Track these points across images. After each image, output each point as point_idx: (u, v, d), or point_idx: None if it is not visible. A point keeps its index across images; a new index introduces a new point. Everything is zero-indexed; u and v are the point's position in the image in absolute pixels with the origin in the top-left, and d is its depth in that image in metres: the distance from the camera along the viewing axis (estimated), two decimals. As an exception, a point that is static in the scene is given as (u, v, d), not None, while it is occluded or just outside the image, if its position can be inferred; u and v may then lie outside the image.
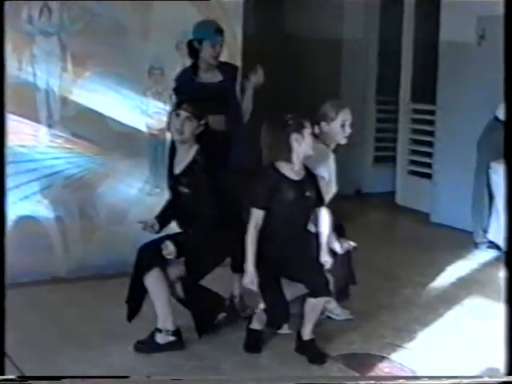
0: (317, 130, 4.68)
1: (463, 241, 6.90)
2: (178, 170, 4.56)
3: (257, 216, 4.34)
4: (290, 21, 9.14)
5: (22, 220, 5.52)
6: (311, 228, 4.60)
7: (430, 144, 8.08)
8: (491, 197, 6.69)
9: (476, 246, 6.81)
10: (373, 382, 4.16)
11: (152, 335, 4.48)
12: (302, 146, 4.34)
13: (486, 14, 6.85)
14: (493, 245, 6.65)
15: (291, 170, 4.38)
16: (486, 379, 3.98)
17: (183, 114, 4.45)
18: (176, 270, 4.52)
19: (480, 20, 7.06)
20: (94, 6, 5.51)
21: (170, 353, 4.42)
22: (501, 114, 6.05)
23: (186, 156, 4.52)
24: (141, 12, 5.68)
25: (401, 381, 4.03)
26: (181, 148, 4.55)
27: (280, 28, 9.06)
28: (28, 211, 5.55)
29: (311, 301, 4.37)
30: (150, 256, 4.47)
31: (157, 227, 4.61)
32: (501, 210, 6.20)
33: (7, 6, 5.12)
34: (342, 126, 4.77)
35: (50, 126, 5.53)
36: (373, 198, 8.82)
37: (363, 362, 4.41)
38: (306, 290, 4.38)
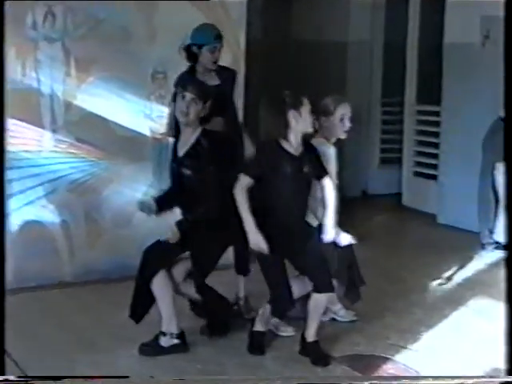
0: (316, 125, 4.63)
1: (469, 242, 6.88)
2: (181, 152, 4.56)
3: (243, 182, 4.29)
4: (295, 23, 9.17)
5: (28, 225, 5.55)
6: (313, 222, 4.59)
7: (435, 145, 8.06)
8: (497, 197, 6.68)
9: (482, 246, 6.79)
10: (376, 382, 4.15)
11: (156, 338, 4.50)
12: (299, 123, 4.30)
13: (490, 14, 6.83)
14: (499, 245, 6.63)
15: (289, 146, 4.35)
16: (489, 379, 3.97)
17: (189, 95, 4.46)
18: (183, 268, 4.54)
19: (484, 20, 7.05)
20: (98, 11, 5.54)
21: (174, 355, 4.44)
22: (506, 114, 6.03)
23: (189, 138, 4.53)
24: (144, 17, 5.70)
25: (404, 381, 4.02)
26: (185, 131, 4.55)
27: (286, 30, 9.09)
28: (33, 216, 5.58)
29: (314, 296, 4.37)
30: (155, 258, 4.48)
31: (154, 208, 4.59)
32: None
33: (10, 11, 5.21)
34: (341, 120, 4.72)
35: (54, 131, 5.56)
36: (379, 199, 8.80)
37: (367, 363, 4.42)
38: (309, 288, 4.40)
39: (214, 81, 5.02)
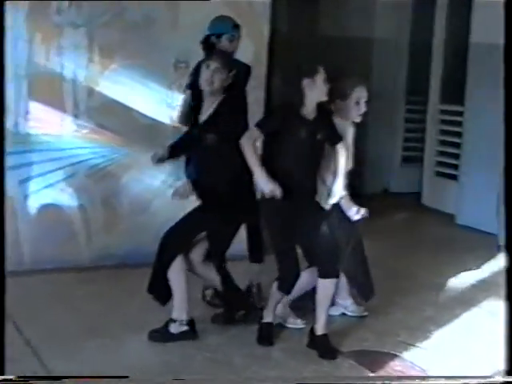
0: (332, 107, 4.62)
1: (487, 243, 6.86)
2: (203, 118, 4.58)
3: (252, 134, 4.34)
4: (321, 19, 9.16)
5: (46, 208, 5.62)
6: (326, 206, 4.59)
7: (457, 145, 8.03)
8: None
9: (499, 248, 6.75)
10: (378, 382, 4.17)
11: (166, 325, 4.54)
12: (314, 91, 4.31)
13: (517, 16, 6.77)
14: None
15: (305, 111, 4.36)
16: (491, 379, 3.96)
17: (213, 64, 4.49)
18: (201, 249, 4.60)
19: (511, 21, 6.99)
20: (123, -1, 5.59)
21: (183, 343, 4.47)
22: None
23: (212, 105, 4.55)
24: (169, 6, 5.72)
25: (404, 381, 4.04)
26: (208, 99, 4.56)
27: (311, 26, 9.08)
28: (52, 199, 5.64)
29: (320, 282, 4.39)
30: (173, 243, 4.52)
31: (165, 156, 4.65)
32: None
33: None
34: (357, 103, 4.68)
35: (75, 116, 5.61)
36: (399, 197, 8.79)
37: (374, 359, 4.43)
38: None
39: None
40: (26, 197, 5.56)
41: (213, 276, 4.68)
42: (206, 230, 4.56)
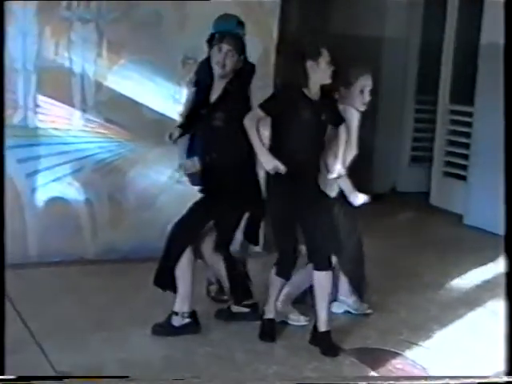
0: (336, 96, 4.62)
1: (494, 244, 6.82)
2: (213, 98, 4.59)
3: (256, 113, 4.36)
4: (332, 17, 9.15)
5: (53, 201, 5.66)
6: (331, 192, 4.60)
7: (467, 146, 8.01)
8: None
9: (506, 249, 6.73)
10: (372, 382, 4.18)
11: (169, 318, 4.56)
12: (317, 73, 4.31)
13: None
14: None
15: (308, 92, 4.36)
16: (492, 379, 3.96)
17: (226, 47, 4.50)
18: (210, 240, 4.63)
19: (521, 22, 6.96)
20: (132, -5, 5.62)
21: (186, 337, 4.49)
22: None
23: (222, 86, 4.56)
24: (178, 3, 5.74)
25: (404, 381, 4.05)
26: (219, 82, 4.57)
27: (322, 24, 9.07)
28: (58, 193, 5.68)
29: (315, 275, 4.42)
30: (182, 235, 4.54)
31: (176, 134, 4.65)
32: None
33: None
34: (361, 91, 4.65)
35: (83, 110, 5.64)
36: (407, 197, 8.78)
37: (376, 357, 4.43)
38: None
39: None
40: (33, 190, 5.60)
41: (222, 266, 4.71)
42: (212, 219, 4.58)
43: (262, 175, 4.64)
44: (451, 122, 8.43)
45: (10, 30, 5.24)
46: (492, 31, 7.36)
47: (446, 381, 4.01)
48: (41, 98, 5.52)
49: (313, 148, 4.44)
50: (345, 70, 4.63)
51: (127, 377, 3.80)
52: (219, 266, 4.74)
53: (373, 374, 4.22)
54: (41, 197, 5.62)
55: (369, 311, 5.05)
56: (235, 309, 4.80)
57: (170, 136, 4.64)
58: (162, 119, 5.81)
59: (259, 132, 4.36)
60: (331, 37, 8.73)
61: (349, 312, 5.06)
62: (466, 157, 8.02)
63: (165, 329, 4.53)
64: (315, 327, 4.50)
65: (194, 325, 4.57)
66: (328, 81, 4.37)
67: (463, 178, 8.03)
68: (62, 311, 4.80)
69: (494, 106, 7.33)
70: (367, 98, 4.68)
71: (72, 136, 5.64)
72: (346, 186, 4.63)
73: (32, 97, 5.48)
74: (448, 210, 8.14)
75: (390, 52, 8.80)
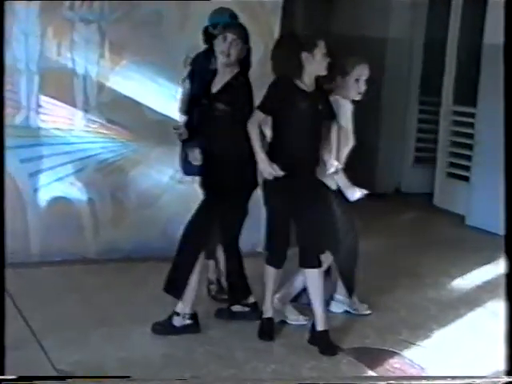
0: (332, 85, 4.62)
1: (496, 245, 6.81)
2: (215, 89, 4.59)
3: (257, 117, 4.39)
4: (336, 18, 9.18)
5: (55, 200, 5.70)
6: (332, 185, 4.61)
7: (470, 147, 8.01)
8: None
9: (507, 250, 6.74)
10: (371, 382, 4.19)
11: (170, 318, 4.58)
12: (312, 65, 4.33)
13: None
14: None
15: (303, 84, 4.39)
16: (492, 379, 3.97)
17: (230, 36, 4.51)
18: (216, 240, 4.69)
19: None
20: (134, -5, 5.65)
21: (186, 336, 4.51)
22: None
23: (226, 77, 4.57)
24: (179, 3, 5.77)
25: (404, 381, 4.06)
26: (223, 71, 4.58)
27: (326, 25, 9.09)
28: (61, 192, 5.72)
29: (306, 272, 4.46)
30: (194, 241, 4.55)
31: (185, 135, 4.68)
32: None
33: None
34: (357, 80, 4.66)
35: (86, 110, 5.68)
36: (411, 197, 8.80)
37: (374, 356, 4.44)
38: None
39: None
40: (35, 190, 5.64)
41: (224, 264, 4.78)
42: (217, 217, 4.59)
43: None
44: (455, 122, 8.43)
45: (13, 31, 5.29)
46: (495, 32, 7.36)
47: (448, 381, 4.04)
48: (43, 99, 5.56)
49: (311, 139, 4.45)
50: (341, 58, 4.66)
51: (128, 377, 3.84)
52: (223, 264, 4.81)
53: (371, 373, 4.24)
54: (43, 196, 5.66)
55: (368, 312, 5.07)
56: (235, 308, 4.83)
57: (177, 129, 4.67)
58: (163, 120, 5.83)
59: (261, 133, 4.39)
60: (335, 37, 8.83)
61: (348, 312, 5.08)
62: (469, 158, 8.02)
63: (165, 328, 4.55)
64: (313, 326, 4.52)
65: (195, 326, 4.59)
66: (323, 72, 4.39)
67: (466, 178, 8.03)
68: (64, 310, 4.83)
69: (496, 107, 7.33)
70: (363, 87, 4.69)
71: (74, 136, 5.68)
72: (342, 180, 4.64)
73: (35, 97, 5.53)
74: (451, 210, 8.15)
75: (393, 53, 8.82)
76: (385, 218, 7.79)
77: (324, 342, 4.44)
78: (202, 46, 5.69)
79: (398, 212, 8.15)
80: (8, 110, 5.21)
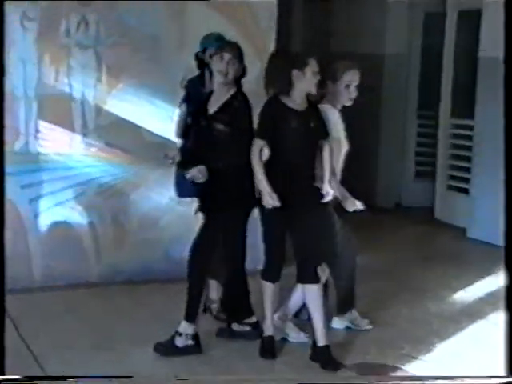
0: (323, 90, 4.63)
1: (497, 257, 6.82)
2: (213, 109, 4.62)
3: (257, 145, 4.42)
4: (333, 35, 9.25)
5: (57, 225, 5.73)
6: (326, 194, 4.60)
7: (469, 159, 8.04)
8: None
9: (510, 262, 6.74)
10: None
11: (172, 338, 4.60)
12: (302, 82, 4.37)
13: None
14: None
15: (292, 103, 4.42)
16: (490, 380, 3.97)
17: (227, 56, 4.56)
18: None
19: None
20: (129, 20, 5.70)
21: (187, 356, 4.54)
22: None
23: (223, 96, 4.60)
24: (174, 25, 5.83)
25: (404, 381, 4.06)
26: (220, 91, 4.62)
27: (324, 42, 9.15)
28: (62, 217, 5.75)
29: (304, 288, 4.48)
30: (199, 267, 4.62)
31: (177, 158, 4.75)
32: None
33: (44, 18, 5.43)
34: (347, 86, 4.67)
35: (84, 134, 5.72)
36: (412, 211, 8.80)
37: (377, 371, 4.45)
38: None
39: None
40: (36, 215, 5.67)
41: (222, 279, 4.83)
42: (219, 240, 4.62)
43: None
44: (453, 135, 8.46)
45: (11, 58, 5.34)
46: (490, 45, 7.41)
47: (448, 381, 4.04)
48: (42, 124, 5.61)
49: (306, 156, 4.47)
50: (332, 64, 4.71)
51: (130, 377, 3.86)
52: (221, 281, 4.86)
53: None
54: (44, 221, 5.69)
55: (369, 327, 5.07)
56: (236, 327, 4.84)
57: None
58: (162, 142, 5.85)
59: (262, 165, 4.42)
60: (333, 54, 8.90)
61: (349, 328, 5.08)
62: (468, 170, 8.04)
63: (167, 348, 4.57)
64: (314, 342, 4.52)
65: (197, 347, 4.61)
66: (313, 90, 4.43)
67: (467, 191, 8.04)
68: (65, 334, 4.85)
69: (494, 118, 7.37)
70: (353, 93, 4.71)
71: (74, 160, 5.72)
72: (340, 192, 4.65)
73: (33, 123, 5.58)
74: (452, 223, 8.15)
75: (391, 68, 8.87)
76: (386, 232, 7.81)
77: (325, 358, 4.44)
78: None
79: (399, 226, 8.17)
80: (7, 137, 5.25)
